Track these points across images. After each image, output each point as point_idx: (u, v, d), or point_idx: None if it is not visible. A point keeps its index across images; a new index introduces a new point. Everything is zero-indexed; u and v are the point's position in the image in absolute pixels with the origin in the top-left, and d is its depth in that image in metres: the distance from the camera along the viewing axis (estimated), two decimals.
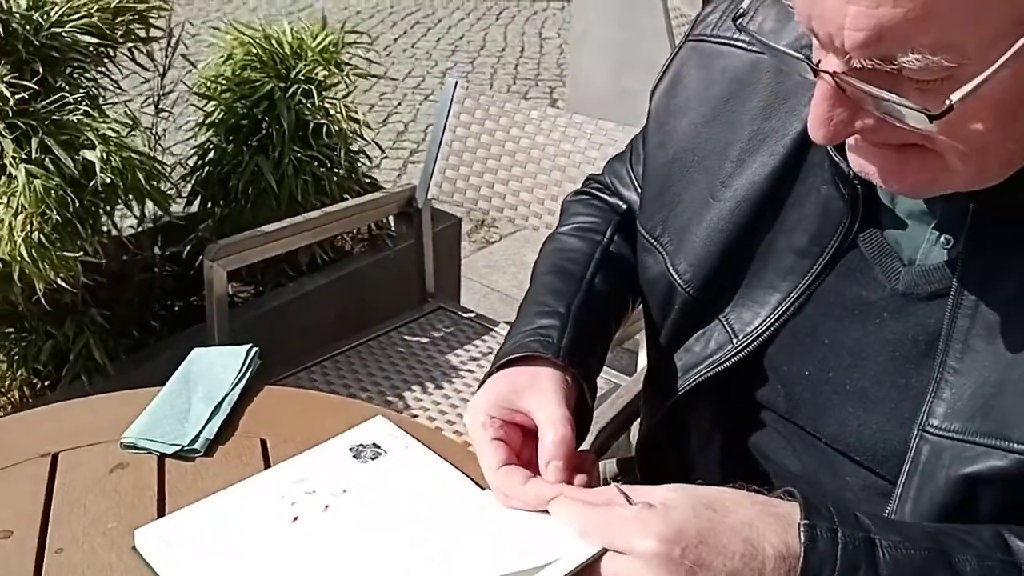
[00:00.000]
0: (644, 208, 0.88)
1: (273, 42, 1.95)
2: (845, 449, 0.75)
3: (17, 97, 1.40)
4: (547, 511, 0.68)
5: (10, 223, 1.32)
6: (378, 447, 0.86)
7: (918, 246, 0.70)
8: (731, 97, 0.80)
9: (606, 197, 1.01)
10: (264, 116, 1.91)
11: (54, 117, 1.45)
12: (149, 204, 1.59)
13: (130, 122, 1.60)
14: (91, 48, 1.60)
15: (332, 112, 1.94)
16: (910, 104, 0.53)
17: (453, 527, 0.73)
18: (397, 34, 5.60)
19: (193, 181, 1.99)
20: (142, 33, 1.74)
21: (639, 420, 1.03)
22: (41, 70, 1.50)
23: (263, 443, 0.90)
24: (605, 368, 1.64)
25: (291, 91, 1.91)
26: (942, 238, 0.68)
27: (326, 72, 1.96)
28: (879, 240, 0.71)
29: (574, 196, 1.04)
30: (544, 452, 0.72)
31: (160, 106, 1.85)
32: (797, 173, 0.75)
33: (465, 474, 0.81)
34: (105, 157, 1.41)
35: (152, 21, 1.74)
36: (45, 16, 1.56)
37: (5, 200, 1.33)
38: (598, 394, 1.59)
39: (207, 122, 1.96)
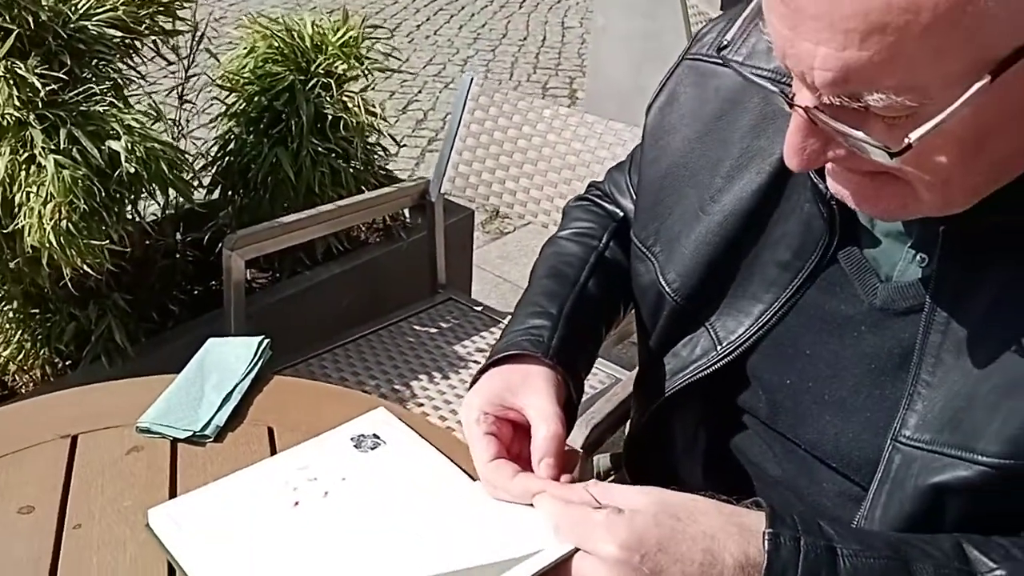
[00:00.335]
0: (638, 218, 0.91)
1: (295, 35, 1.99)
2: (823, 456, 0.78)
3: (47, 89, 1.45)
4: (532, 506, 0.73)
5: (40, 211, 1.38)
6: (378, 438, 0.90)
7: (895, 263, 0.73)
8: (723, 115, 0.83)
9: (605, 204, 1.05)
10: (284, 108, 1.96)
11: (81, 108, 1.50)
12: (171, 192, 1.65)
13: (154, 113, 1.65)
14: (116, 40, 1.65)
15: (350, 105, 1.99)
16: (872, 141, 0.56)
17: (444, 516, 0.78)
18: (420, 21, 5.62)
19: (214, 170, 2.04)
20: (167, 26, 1.79)
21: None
22: (69, 62, 1.55)
23: (270, 431, 0.95)
24: (609, 363, 1.69)
25: (311, 84, 1.95)
26: (918, 256, 0.71)
27: (346, 66, 2.00)
28: (858, 257, 0.74)
29: (575, 202, 1.08)
30: (537, 448, 0.76)
31: (184, 97, 1.90)
32: (782, 190, 0.78)
33: (458, 466, 0.86)
34: (130, 147, 1.47)
35: (177, 13, 1.79)
36: (73, 9, 1.61)
37: (35, 189, 1.39)
38: (600, 388, 1.64)
39: (229, 113, 2.01)
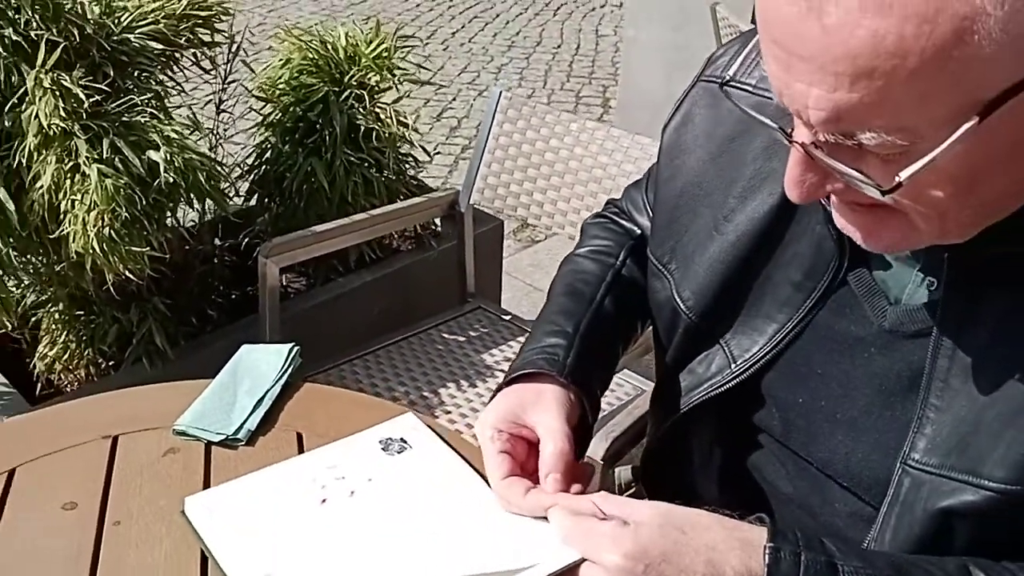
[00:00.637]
0: (655, 235, 0.93)
1: (329, 47, 2.04)
2: (834, 475, 0.79)
3: (91, 100, 1.51)
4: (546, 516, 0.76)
5: (83, 218, 1.44)
6: (404, 442, 0.94)
7: (904, 286, 0.74)
8: (736, 137, 0.85)
9: (622, 222, 1.07)
10: (318, 119, 2.01)
11: (123, 119, 1.55)
12: (208, 201, 1.70)
13: (192, 123, 1.70)
14: (157, 53, 1.71)
15: (383, 116, 2.03)
16: (864, 179, 0.58)
17: (462, 520, 0.81)
18: (455, 28, 5.68)
19: (251, 179, 2.10)
20: (206, 38, 1.84)
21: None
22: (112, 73, 1.61)
23: (299, 436, 0.99)
24: (635, 375, 1.71)
25: (344, 95, 2.00)
26: (927, 280, 0.72)
27: (378, 77, 2.04)
28: (868, 279, 0.76)
29: (593, 219, 1.11)
30: (543, 464, 0.79)
31: (221, 107, 1.96)
32: (794, 211, 0.79)
33: (480, 473, 0.89)
34: (168, 158, 1.52)
35: (215, 26, 1.84)
36: (117, 22, 1.67)
37: (79, 197, 1.45)
38: (627, 399, 1.66)
39: (265, 123, 2.06)
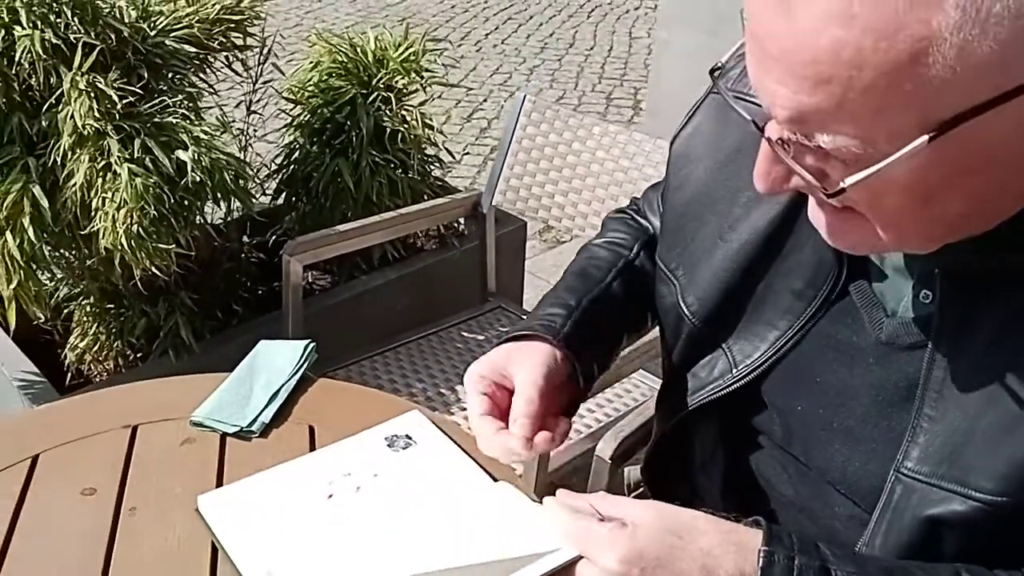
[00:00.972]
0: (663, 241, 0.94)
1: (358, 51, 2.08)
2: (832, 481, 0.80)
3: (124, 101, 1.56)
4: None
5: (113, 216, 1.49)
6: (410, 438, 0.96)
7: (900, 299, 0.75)
8: (742, 147, 0.85)
9: (639, 219, 1.10)
10: (346, 121, 2.05)
11: (155, 120, 1.60)
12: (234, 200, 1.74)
13: (221, 125, 1.75)
14: (191, 55, 1.76)
15: (409, 119, 2.06)
16: (812, 180, 0.60)
17: (465, 515, 0.84)
18: (488, 30, 5.71)
19: (279, 178, 2.14)
20: (238, 41, 1.89)
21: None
22: (146, 75, 1.66)
23: (311, 429, 1.02)
24: (651, 376, 1.73)
25: (372, 98, 2.04)
26: (922, 293, 0.73)
27: (406, 80, 2.08)
28: (867, 291, 0.77)
29: (614, 214, 1.13)
30: (512, 410, 0.82)
31: (251, 109, 2.01)
32: (796, 222, 0.80)
33: (483, 468, 0.91)
34: (196, 157, 1.56)
35: (247, 30, 1.89)
36: (152, 26, 1.72)
37: (110, 195, 1.50)
38: (643, 400, 1.67)
39: (294, 124, 2.10)
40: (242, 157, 1.89)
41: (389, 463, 0.93)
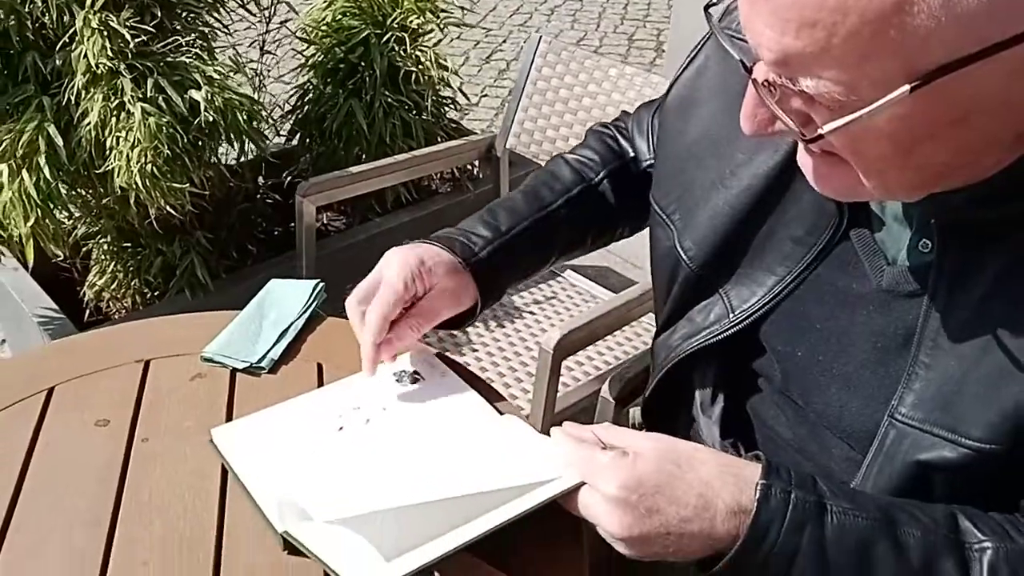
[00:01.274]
0: (660, 185, 0.94)
1: None
2: (828, 426, 0.81)
3: (137, 40, 1.56)
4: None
5: (127, 155, 1.50)
6: (417, 374, 0.98)
7: (901, 247, 0.75)
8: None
9: (620, 140, 1.10)
10: (360, 61, 2.04)
11: (168, 59, 1.60)
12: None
13: (234, 65, 1.74)
14: None
15: (423, 59, 2.05)
16: (792, 123, 0.60)
17: (471, 445, 0.86)
18: None
19: (293, 119, 2.14)
20: None
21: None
22: (159, 14, 1.65)
23: (319, 367, 1.03)
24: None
25: (386, 38, 2.02)
26: (922, 242, 0.73)
27: (420, 20, 2.06)
28: (868, 238, 0.77)
29: (599, 127, 1.13)
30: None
31: (265, 48, 2.00)
32: (798, 170, 0.81)
33: (488, 400, 0.93)
34: (209, 97, 1.56)
35: None
36: None
37: (124, 134, 1.51)
38: (649, 344, 1.68)
39: (308, 64, 2.09)
40: (256, 98, 1.89)
41: (398, 397, 0.95)
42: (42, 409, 0.95)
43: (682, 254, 0.89)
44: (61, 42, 1.58)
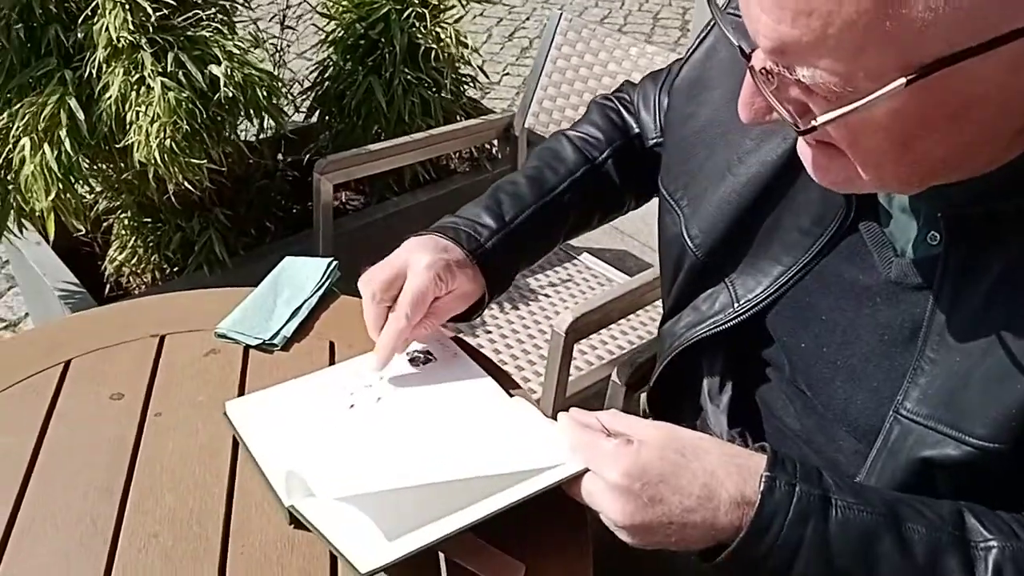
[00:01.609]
0: (669, 170, 0.93)
1: None
2: (835, 417, 0.81)
3: (158, 14, 1.56)
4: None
5: (147, 129, 1.50)
6: (430, 354, 0.99)
7: (909, 239, 0.74)
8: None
9: (625, 115, 1.07)
10: (379, 37, 2.03)
11: (188, 33, 1.60)
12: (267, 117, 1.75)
13: (254, 40, 1.74)
14: None
15: (443, 36, 2.04)
16: (786, 113, 0.59)
17: (480, 427, 0.86)
18: None
19: (312, 96, 2.14)
20: None
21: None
22: None
23: (331, 345, 1.04)
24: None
25: (406, 14, 2.01)
26: (930, 235, 0.72)
27: None
28: (876, 230, 0.76)
29: (602, 99, 1.11)
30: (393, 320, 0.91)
31: (285, 24, 1.99)
32: None
33: (499, 382, 0.93)
34: (229, 72, 1.57)
35: None
36: None
37: (143, 108, 1.51)
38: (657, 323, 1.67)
39: (328, 40, 2.09)
40: (276, 73, 1.89)
41: (409, 378, 0.95)
42: (58, 382, 0.96)
43: (688, 241, 0.88)
44: (83, 15, 1.59)
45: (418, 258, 0.92)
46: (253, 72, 1.60)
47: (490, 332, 1.67)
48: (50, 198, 1.54)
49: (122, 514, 0.81)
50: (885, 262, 0.75)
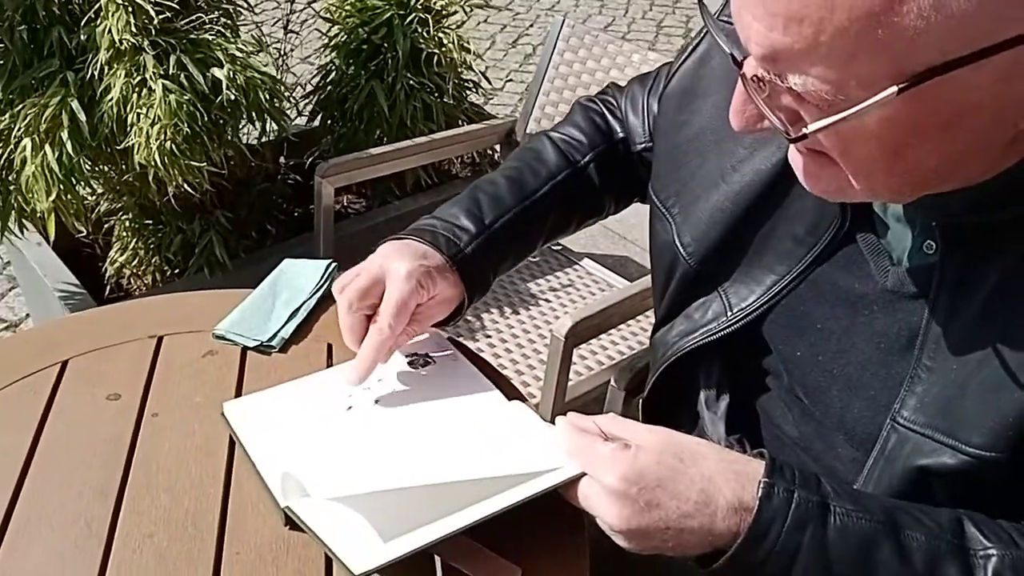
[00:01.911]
0: (659, 177, 0.92)
1: None
2: (833, 425, 0.80)
3: (161, 16, 1.57)
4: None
5: (147, 132, 1.51)
6: (429, 357, 0.98)
7: (905, 248, 0.74)
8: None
9: (609, 118, 1.06)
10: (382, 42, 2.03)
11: (191, 36, 1.61)
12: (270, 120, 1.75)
13: (256, 43, 1.75)
14: None
15: (446, 41, 2.04)
16: (778, 121, 0.59)
17: (477, 430, 0.86)
18: None
19: (315, 100, 2.14)
20: None
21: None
22: None
23: (329, 347, 1.04)
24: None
25: (409, 19, 2.01)
26: (926, 243, 0.72)
27: (444, 1, 2.05)
28: (873, 239, 0.75)
29: (587, 100, 1.10)
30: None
31: (289, 28, 2.00)
32: None
33: (497, 386, 0.93)
34: (231, 75, 1.57)
35: None
36: None
37: (144, 111, 1.51)
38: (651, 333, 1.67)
39: (331, 45, 2.09)
40: (278, 77, 1.89)
41: (408, 380, 0.95)
42: (55, 381, 0.96)
43: (680, 249, 0.88)
44: (86, 17, 1.59)
45: (397, 266, 0.90)
46: (255, 75, 1.60)
47: (490, 336, 1.67)
48: (51, 199, 1.54)
49: (117, 514, 0.81)
50: (881, 271, 0.75)
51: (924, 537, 0.66)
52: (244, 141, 1.87)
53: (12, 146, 1.57)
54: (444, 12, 2.08)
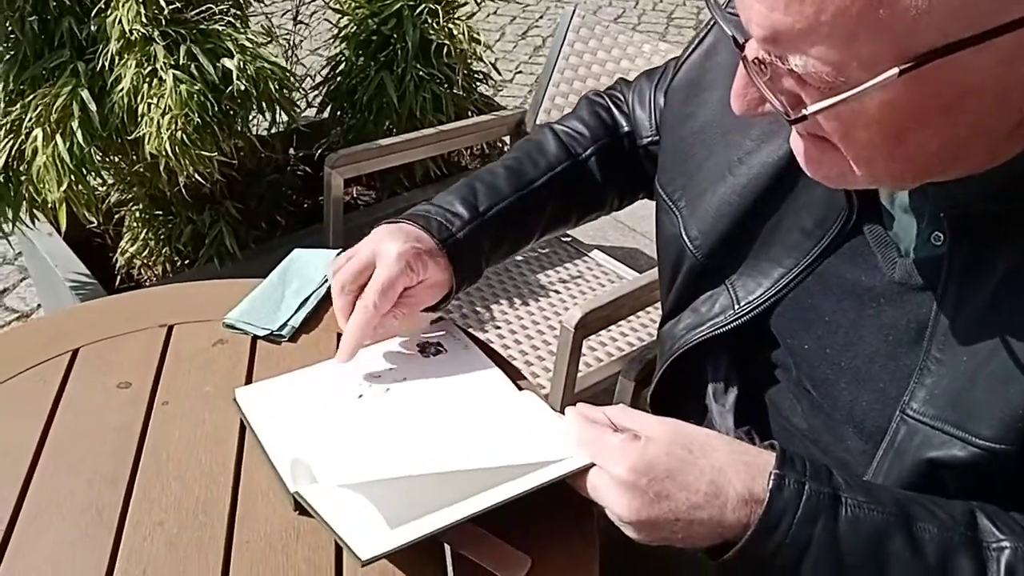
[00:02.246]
0: (665, 170, 0.92)
1: None
2: (842, 418, 0.80)
3: (171, 7, 1.57)
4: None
5: (158, 122, 1.51)
6: (440, 346, 0.98)
7: (912, 239, 0.73)
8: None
9: (615, 113, 1.06)
10: (392, 33, 2.03)
11: (201, 26, 1.61)
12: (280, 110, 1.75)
13: (266, 34, 1.74)
14: None
15: (456, 33, 2.03)
16: (777, 103, 0.58)
17: (487, 419, 0.86)
18: None
19: (324, 91, 2.14)
20: None
21: None
22: None
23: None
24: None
25: (419, 10, 2.01)
26: (934, 235, 0.71)
27: None
28: (880, 231, 0.75)
29: (594, 95, 1.10)
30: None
31: (298, 19, 2.00)
32: None
33: (508, 376, 0.93)
34: (241, 66, 1.57)
35: None
36: None
37: (155, 101, 1.52)
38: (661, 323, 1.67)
39: (340, 35, 2.09)
40: (288, 68, 1.89)
41: (419, 369, 0.95)
42: (66, 370, 0.96)
43: (688, 243, 0.87)
44: (97, 8, 1.59)
45: (388, 247, 0.91)
46: (265, 65, 1.60)
47: (499, 327, 1.66)
48: (62, 189, 1.54)
49: (128, 502, 0.81)
50: (889, 263, 0.74)
51: (936, 529, 0.66)
52: (254, 132, 1.87)
53: (23, 136, 1.57)
54: (454, 3, 2.07)
